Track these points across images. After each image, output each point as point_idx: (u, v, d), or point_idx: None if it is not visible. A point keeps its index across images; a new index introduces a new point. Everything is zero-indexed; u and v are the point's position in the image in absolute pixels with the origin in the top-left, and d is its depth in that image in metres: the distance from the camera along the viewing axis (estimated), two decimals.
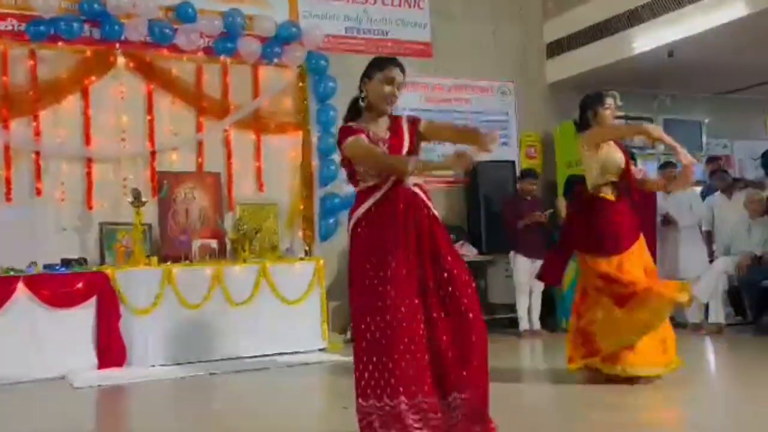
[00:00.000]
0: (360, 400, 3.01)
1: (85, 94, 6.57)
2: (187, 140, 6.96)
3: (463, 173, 3.08)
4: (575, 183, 5.29)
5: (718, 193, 7.67)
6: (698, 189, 8.15)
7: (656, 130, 4.64)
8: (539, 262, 7.23)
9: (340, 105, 6.74)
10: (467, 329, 3.00)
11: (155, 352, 5.93)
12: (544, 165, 8.49)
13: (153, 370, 5.75)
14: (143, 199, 6.25)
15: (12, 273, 5.70)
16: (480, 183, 7.90)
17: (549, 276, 5.29)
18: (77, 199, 6.52)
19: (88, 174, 6.55)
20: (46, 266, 5.91)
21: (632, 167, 4.72)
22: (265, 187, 7.21)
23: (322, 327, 6.60)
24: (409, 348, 2.94)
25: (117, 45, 6.61)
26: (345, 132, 3.17)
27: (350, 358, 3.22)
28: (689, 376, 4.69)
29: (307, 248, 7.11)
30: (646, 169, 7.30)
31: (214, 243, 6.72)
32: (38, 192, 6.36)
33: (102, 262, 6.38)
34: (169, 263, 6.25)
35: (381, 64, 3.22)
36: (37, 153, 6.39)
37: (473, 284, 3.10)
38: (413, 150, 3.21)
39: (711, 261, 7.33)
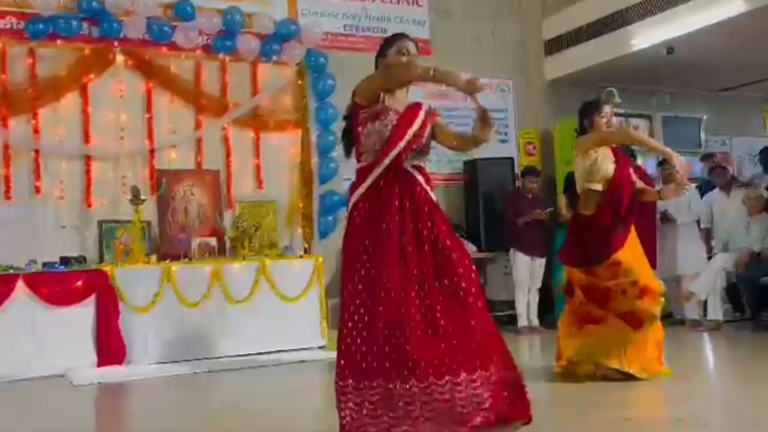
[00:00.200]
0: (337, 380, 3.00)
1: (84, 92, 6.57)
2: (186, 138, 6.97)
3: (468, 98, 3.06)
4: (574, 180, 5.29)
5: (716, 190, 7.67)
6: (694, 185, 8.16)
7: (639, 135, 4.69)
8: (539, 260, 7.32)
9: (339, 103, 6.74)
10: (466, 314, 2.91)
11: (154, 349, 5.94)
12: (543, 162, 8.49)
13: (152, 368, 5.75)
14: (142, 197, 6.26)
15: (11, 271, 5.71)
16: (479, 180, 7.92)
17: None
18: (76, 197, 6.52)
19: (87, 172, 6.56)
20: (45, 264, 5.91)
21: (633, 180, 4.68)
22: (264, 184, 7.21)
23: (321, 324, 6.61)
24: (394, 333, 2.84)
25: (116, 43, 6.61)
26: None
27: None
28: (687, 373, 4.71)
29: (306, 246, 7.13)
30: (645, 166, 7.32)
31: (213, 241, 6.73)
32: (37, 190, 6.37)
33: (101, 260, 6.38)
34: (168, 261, 6.25)
35: (392, 40, 3.25)
36: (36, 151, 6.39)
37: (473, 268, 3.02)
38: (422, 134, 3.14)
39: (710, 258, 7.35)
